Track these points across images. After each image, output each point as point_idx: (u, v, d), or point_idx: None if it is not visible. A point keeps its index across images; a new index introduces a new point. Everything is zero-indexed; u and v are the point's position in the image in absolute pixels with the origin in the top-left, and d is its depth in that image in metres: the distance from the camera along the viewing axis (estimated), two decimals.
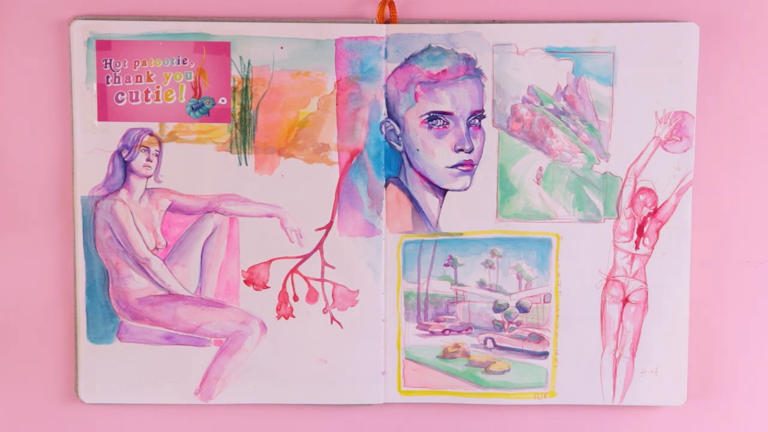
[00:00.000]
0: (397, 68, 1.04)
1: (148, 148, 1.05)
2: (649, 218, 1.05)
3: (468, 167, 1.05)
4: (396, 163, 1.05)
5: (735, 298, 1.08)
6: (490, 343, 1.07)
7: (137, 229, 1.06)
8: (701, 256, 1.07)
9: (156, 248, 1.06)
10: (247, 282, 1.06)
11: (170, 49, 1.04)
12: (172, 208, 1.06)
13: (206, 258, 1.06)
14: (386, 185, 1.05)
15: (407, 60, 1.04)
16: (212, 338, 1.07)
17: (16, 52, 1.05)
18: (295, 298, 1.06)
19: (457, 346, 1.07)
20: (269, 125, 1.05)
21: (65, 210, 1.07)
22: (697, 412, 1.08)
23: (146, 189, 1.05)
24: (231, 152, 1.05)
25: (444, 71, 1.04)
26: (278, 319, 1.07)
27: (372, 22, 1.04)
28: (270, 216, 1.05)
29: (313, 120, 1.05)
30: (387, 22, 1.04)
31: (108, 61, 1.04)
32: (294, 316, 1.07)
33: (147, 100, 1.04)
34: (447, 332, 1.07)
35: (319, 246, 1.06)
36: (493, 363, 1.07)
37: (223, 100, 1.04)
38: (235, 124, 1.05)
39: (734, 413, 1.09)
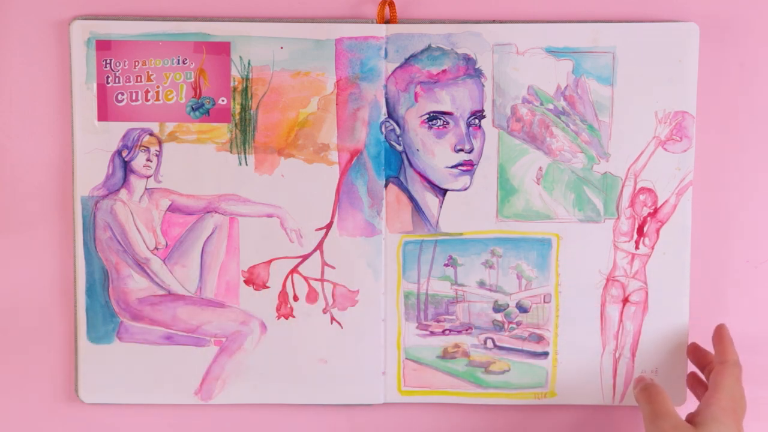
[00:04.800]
0: (397, 68, 1.04)
1: (148, 148, 1.05)
2: (649, 218, 1.05)
3: (468, 167, 1.05)
4: (396, 163, 1.05)
5: (735, 298, 1.08)
6: (490, 343, 1.07)
7: (137, 229, 1.06)
8: (701, 256, 1.07)
9: (156, 248, 1.06)
10: (247, 282, 1.06)
11: (170, 49, 1.04)
12: (172, 208, 1.06)
13: (206, 258, 1.06)
14: (386, 185, 1.06)
15: (407, 60, 1.04)
16: (212, 338, 1.07)
17: (16, 52, 1.05)
18: (295, 298, 1.06)
19: (457, 346, 1.07)
20: (269, 125, 1.05)
21: (65, 210, 1.07)
22: None
23: (146, 189, 1.05)
24: (231, 152, 1.05)
25: (444, 71, 1.04)
26: (278, 319, 1.07)
27: (372, 22, 1.04)
28: (270, 216, 1.05)
29: (313, 120, 1.05)
30: (387, 22, 1.04)
31: (108, 61, 1.04)
32: (294, 316, 1.07)
33: (147, 100, 1.04)
34: (447, 332, 1.07)
35: (319, 246, 1.06)
36: (493, 363, 1.07)
37: (223, 100, 1.05)
38: (235, 124, 1.05)
39: None
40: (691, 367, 1.07)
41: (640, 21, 1.04)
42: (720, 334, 1.03)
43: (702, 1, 1.05)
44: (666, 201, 1.05)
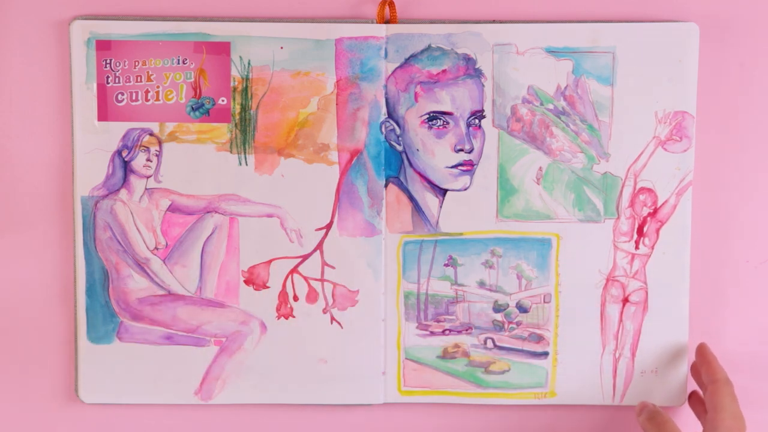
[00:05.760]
0: (397, 68, 1.04)
1: (148, 148, 1.05)
2: (649, 218, 1.05)
3: (468, 167, 1.05)
4: (396, 163, 1.05)
5: (735, 298, 1.08)
6: (490, 343, 1.07)
7: (137, 229, 1.06)
8: (701, 256, 1.07)
9: (156, 248, 1.06)
10: (247, 282, 1.06)
11: (170, 49, 1.04)
12: (172, 208, 1.06)
13: (206, 258, 1.06)
14: (386, 185, 1.06)
15: (407, 60, 1.04)
16: (212, 338, 1.07)
17: (16, 52, 1.05)
18: (295, 298, 1.06)
19: (457, 346, 1.07)
20: (269, 125, 1.05)
21: (65, 210, 1.07)
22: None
23: (146, 189, 1.05)
24: (231, 152, 1.05)
25: (444, 71, 1.04)
26: (278, 319, 1.07)
27: (372, 22, 1.04)
28: (270, 216, 1.05)
29: (313, 120, 1.05)
30: (387, 22, 1.04)
31: (108, 61, 1.04)
32: (294, 316, 1.07)
33: (147, 100, 1.04)
34: (447, 332, 1.07)
35: (319, 246, 1.06)
36: (493, 363, 1.07)
37: (223, 100, 1.05)
38: (235, 124, 1.05)
39: None
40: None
41: (640, 21, 1.04)
42: (702, 353, 1.04)
43: (702, 1, 1.05)
44: (666, 201, 1.05)
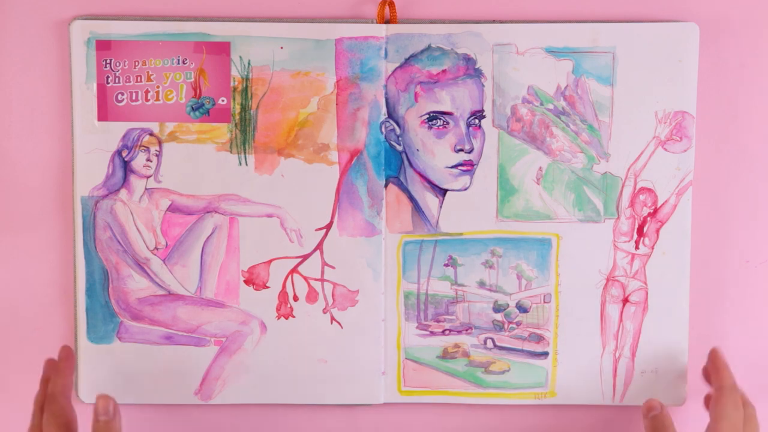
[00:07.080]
0: (397, 68, 1.04)
1: (148, 148, 1.05)
2: (649, 218, 1.05)
3: (468, 167, 1.05)
4: (396, 163, 1.05)
5: (735, 298, 1.08)
6: (490, 343, 1.07)
7: (137, 229, 1.06)
8: (701, 256, 1.07)
9: (156, 248, 1.06)
10: (247, 282, 1.06)
11: (170, 49, 1.04)
12: (172, 208, 1.06)
13: (206, 258, 1.06)
14: (386, 185, 1.06)
15: (407, 60, 1.04)
16: (212, 338, 1.07)
17: (16, 52, 1.05)
18: (295, 298, 1.07)
19: (457, 346, 1.07)
20: (269, 125, 1.05)
21: (65, 210, 1.07)
22: (697, 412, 1.08)
23: (146, 189, 1.05)
24: (231, 152, 1.05)
25: (444, 71, 1.04)
26: (278, 319, 1.07)
27: (372, 22, 1.04)
28: (270, 216, 1.05)
29: (313, 120, 1.05)
30: (387, 22, 1.04)
31: (108, 61, 1.04)
32: (294, 316, 1.07)
33: (147, 100, 1.04)
34: (447, 332, 1.07)
35: (319, 246, 1.06)
36: (493, 363, 1.08)
37: (223, 100, 1.05)
38: (235, 124, 1.05)
39: None
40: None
41: (640, 21, 1.04)
42: (713, 359, 1.03)
43: (702, 1, 1.05)
44: (666, 201, 1.05)
